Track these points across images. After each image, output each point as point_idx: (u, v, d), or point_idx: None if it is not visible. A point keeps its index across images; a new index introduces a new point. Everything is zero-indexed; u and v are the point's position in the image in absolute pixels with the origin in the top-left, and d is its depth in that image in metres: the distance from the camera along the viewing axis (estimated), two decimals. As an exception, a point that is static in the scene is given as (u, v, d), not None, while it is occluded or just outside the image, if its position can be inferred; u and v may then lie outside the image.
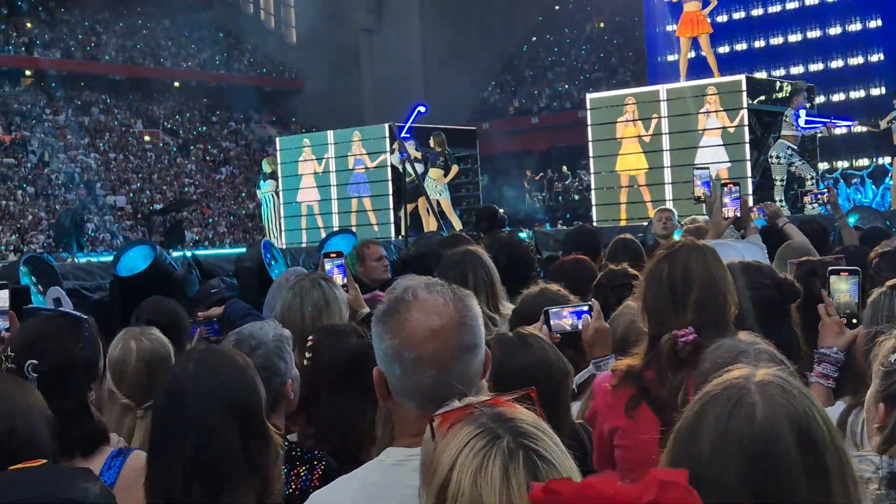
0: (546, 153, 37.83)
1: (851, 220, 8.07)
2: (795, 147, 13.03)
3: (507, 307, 4.04)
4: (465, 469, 1.33)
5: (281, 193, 17.00)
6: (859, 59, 33.11)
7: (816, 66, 33.36)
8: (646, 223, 10.16)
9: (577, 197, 29.16)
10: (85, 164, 35.83)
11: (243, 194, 37.80)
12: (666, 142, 14.18)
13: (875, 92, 31.34)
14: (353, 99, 41.95)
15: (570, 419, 2.84)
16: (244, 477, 2.14)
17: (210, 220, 35.52)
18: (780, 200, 12.51)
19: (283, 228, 16.95)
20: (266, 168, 17.34)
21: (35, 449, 2.10)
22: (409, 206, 14.32)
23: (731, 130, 13.71)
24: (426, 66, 42.89)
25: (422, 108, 16.48)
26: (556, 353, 2.82)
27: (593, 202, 15.27)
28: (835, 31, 33.59)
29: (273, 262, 8.25)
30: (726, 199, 4.64)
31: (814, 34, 34.01)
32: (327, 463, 2.57)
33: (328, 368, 2.87)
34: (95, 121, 39.40)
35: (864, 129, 16.52)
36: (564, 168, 33.03)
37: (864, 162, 25.19)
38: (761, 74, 22.78)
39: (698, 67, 16.14)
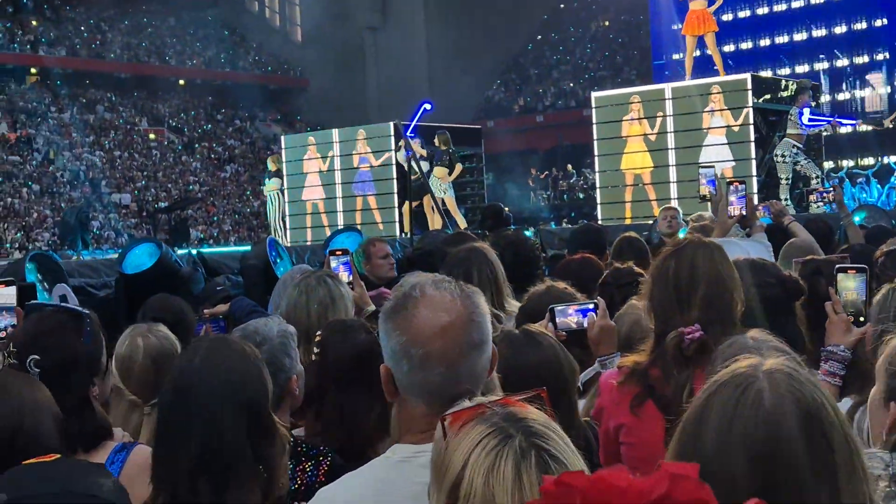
0: (551, 151, 37.80)
1: (857, 218, 8.06)
2: (801, 146, 13.01)
3: (513, 304, 4.03)
4: (477, 468, 1.33)
5: (286, 191, 17.01)
6: (864, 59, 33.07)
7: (822, 65, 33.33)
8: (651, 221, 10.14)
9: (581, 195, 29.14)
10: (90, 161, 35.85)
11: (248, 192, 37.83)
12: (671, 140, 14.16)
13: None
14: (358, 97, 41.96)
15: (577, 417, 2.84)
16: (250, 472, 2.13)
17: (215, 218, 35.51)
18: (786, 199, 12.48)
19: (288, 226, 16.96)
20: (271, 166, 17.36)
21: (42, 446, 2.10)
22: (414, 204, 14.31)
23: (736, 129, 13.69)
24: (431, 64, 42.85)
25: (427, 106, 16.43)
26: (564, 351, 2.82)
27: (598, 200, 15.24)
28: (840, 29, 33.56)
29: (278, 260, 8.26)
30: (732, 198, 4.63)
31: (819, 33, 33.98)
32: (333, 459, 2.56)
33: (335, 364, 2.85)
34: (100, 119, 39.41)
35: (870, 127, 16.50)
36: (569, 166, 33.00)
37: (870, 161, 25.13)
38: (766, 73, 22.75)
39: (704, 66, 16.12)
